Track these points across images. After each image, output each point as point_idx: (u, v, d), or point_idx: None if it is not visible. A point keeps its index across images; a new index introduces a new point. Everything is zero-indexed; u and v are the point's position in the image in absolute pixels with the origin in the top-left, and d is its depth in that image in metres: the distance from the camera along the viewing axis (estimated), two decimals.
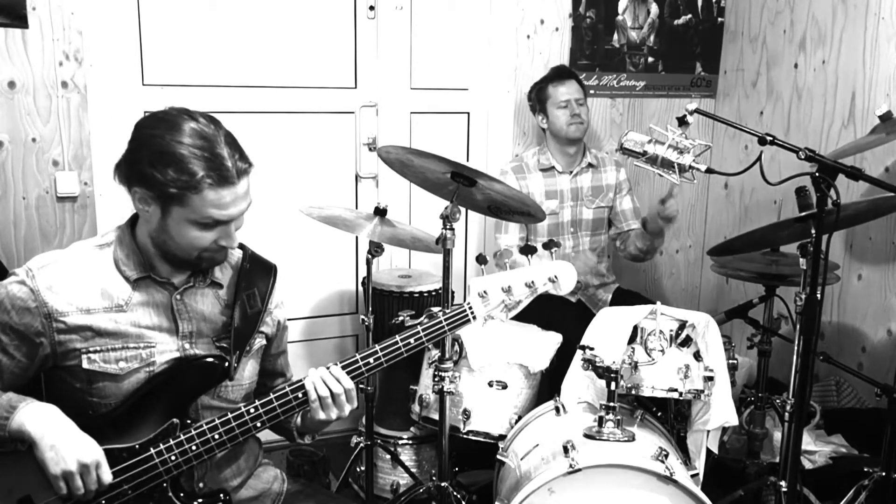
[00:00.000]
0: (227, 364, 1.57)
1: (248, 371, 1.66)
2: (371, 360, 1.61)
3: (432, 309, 2.25)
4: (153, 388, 1.53)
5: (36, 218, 2.71)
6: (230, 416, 1.53)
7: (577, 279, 2.85)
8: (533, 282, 1.74)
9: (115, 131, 2.81)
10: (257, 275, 1.67)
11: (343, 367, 1.59)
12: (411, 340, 1.65)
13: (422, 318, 2.28)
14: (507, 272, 1.75)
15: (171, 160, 1.42)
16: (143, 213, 1.50)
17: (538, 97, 3.11)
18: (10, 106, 2.61)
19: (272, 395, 1.56)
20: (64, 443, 1.39)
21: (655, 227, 2.94)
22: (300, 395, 1.56)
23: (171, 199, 1.44)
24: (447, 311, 1.71)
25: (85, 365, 1.50)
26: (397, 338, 1.64)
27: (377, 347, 1.62)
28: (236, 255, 1.68)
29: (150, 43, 2.85)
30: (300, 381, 1.57)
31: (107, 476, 1.43)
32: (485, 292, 1.71)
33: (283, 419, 1.58)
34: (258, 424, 1.55)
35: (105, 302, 1.52)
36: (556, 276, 1.76)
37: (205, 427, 1.52)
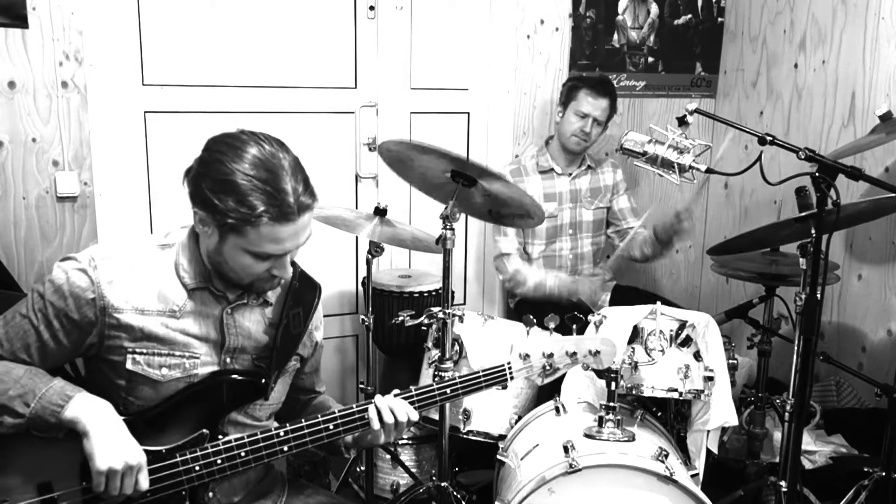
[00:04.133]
0: (264, 382, 1.57)
1: (278, 391, 1.66)
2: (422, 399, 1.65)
3: (432, 309, 2.25)
4: (190, 395, 1.53)
5: (36, 218, 2.71)
6: (259, 435, 1.52)
7: (587, 296, 2.88)
8: (575, 353, 1.77)
9: (116, 131, 2.81)
10: (304, 294, 1.67)
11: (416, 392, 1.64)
12: (447, 390, 1.67)
13: (422, 319, 2.29)
14: (552, 338, 1.77)
15: (231, 190, 1.40)
16: (203, 233, 1.49)
17: (568, 92, 3.03)
18: (10, 106, 2.61)
19: (303, 422, 1.55)
20: (114, 441, 1.40)
21: (666, 237, 2.94)
22: (331, 427, 1.56)
23: (228, 227, 1.42)
24: (486, 368, 1.73)
25: (129, 365, 1.50)
26: (434, 386, 1.66)
27: (412, 390, 1.64)
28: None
29: (150, 43, 2.85)
30: (332, 412, 1.57)
31: (144, 483, 1.43)
32: (527, 355, 1.74)
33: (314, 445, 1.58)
34: (285, 449, 1.54)
35: (160, 305, 1.51)
36: (597, 351, 1.78)
37: (233, 443, 1.51)
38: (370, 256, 2.53)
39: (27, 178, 2.68)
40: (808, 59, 3.28)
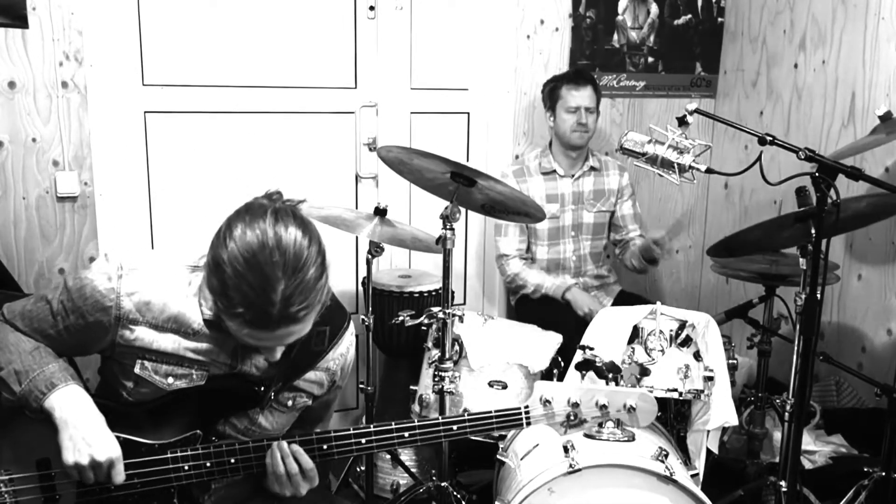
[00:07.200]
0: (264, 391, 1.54)
1: (278, 424, 1.62)
2: (406, 434, 1.54)
3: (432, 309, 2.25)
4: (189, 394, 1.52)
5: (36, 218, 2.71)
6: (251, 444, 1.52)
7: (585, 311, 2.86)
8: (606, 405, 1.56)
9: (116, 131, 2.81)
10: (334, 315, 1.57)
11: (376, 429, 1.53)
12: (454, 427, 1.57)
13: (422, 319, 2.29)
14: (582, 385, 1.61)
15: (218, 276, 1.31)
16: None
17: (550, 94, 3.08)
18: (10, 106, 2.61)
19: (296, 436, 1.52)
20: (83, 437, 1.41)
21: (647, 257, 2.97)
22: (324, 448, 1.51)
23: (216, 304, 1.36)
24: (500, 410, 1.59)
25: (137, 370, 1.50)
26: (440, 419, 1.58)
27: (415, 422, 1.55)
28: None
29: (150, 43, 2.85)
30: (328, 433, 1.53)
31: (119, 477, 1.44)
32: (549, 401, 1.56)
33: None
34: None
35: (175, 325, 1.49)
36: (634, 406, 1.56)
37: (224, 448, 1.51)
38: (370, 256, 2.53)
39: (27, 178, 2.68)
40: (808, 59, 3.28)
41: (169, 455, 1.50)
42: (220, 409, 1.56)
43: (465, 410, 2.40)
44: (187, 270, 1.52)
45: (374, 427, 1.54)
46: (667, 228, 3.05)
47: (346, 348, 1.64)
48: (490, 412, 1.57)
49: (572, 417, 1.56)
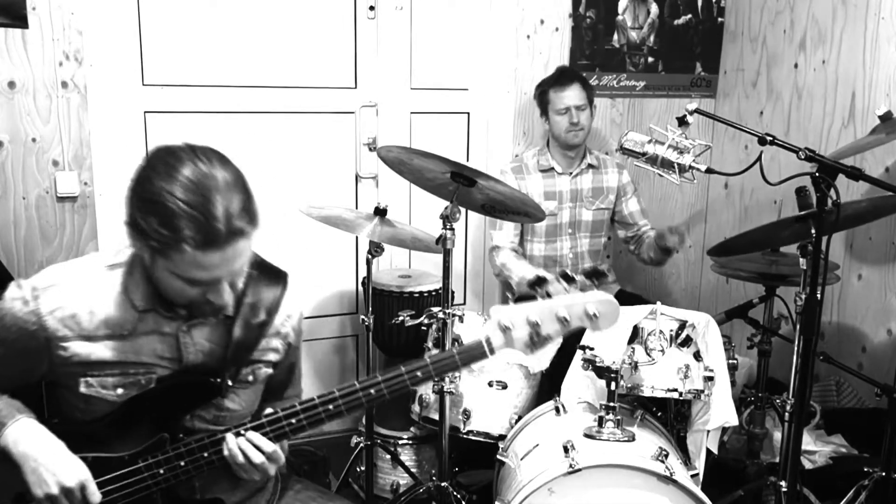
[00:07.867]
0: (220, 381, 1.51)
1: (246, 402, 1.60)
2: (373, 391, 1.49)
3: (432, 309, 2.25)
4: (146, 399, 1.49)
5: (36, 218, 2.71)
6: (219, 436, 1.49)
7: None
8: (567, 318, 1.47)
9: (116, 131, 2.82)
10: (264, 283, 1.57)
11: (341, 393, 1.49)
12: (418, 373, 1.50)
13: (422, 319, 2.30)
14: (537, 303, 1.51)
15: (157, 211, 1.31)
16: (138, 251, 1.42)
17: (540, 99, 3.09)
18: (10, 106, 2.61)
19: (263, 420, 1.49)
20: (47, 467, 1.38)
21: (661, 245, 2.96)
22: (293, 422, 1.48)
23: (154, 250, 1.34)
24: (461, 345, 1.55)
25: (82, 389, 1.47)
26: (402, 368, 1.50)
27: (378, 378, 1.50)
28: None
29: (150, 43, 2.85)
30: (293, 406, 1.49)
31: (94, 497, 1.42)
32: (508, 327, 1.48)
33: None
34: None
35: (107, 330, 1.46)
36: (596, 313, 1.47)
37: (194, 445, 1.49)
38: (370, 256, 2.53)
39: (27, 178, 2.68)
40: (808, 59, 3.28)
41: (141, 464, 1.48)
42: (182, 407, 1.53)
43: (464, 410, 2.41)
44: (107, 270, 1.49)
45: (338, 391, 1.49)
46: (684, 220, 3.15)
47: (291, 308, 1.63)
48: (452, 350, 1.52)
49: (535, 337, 1.49)
